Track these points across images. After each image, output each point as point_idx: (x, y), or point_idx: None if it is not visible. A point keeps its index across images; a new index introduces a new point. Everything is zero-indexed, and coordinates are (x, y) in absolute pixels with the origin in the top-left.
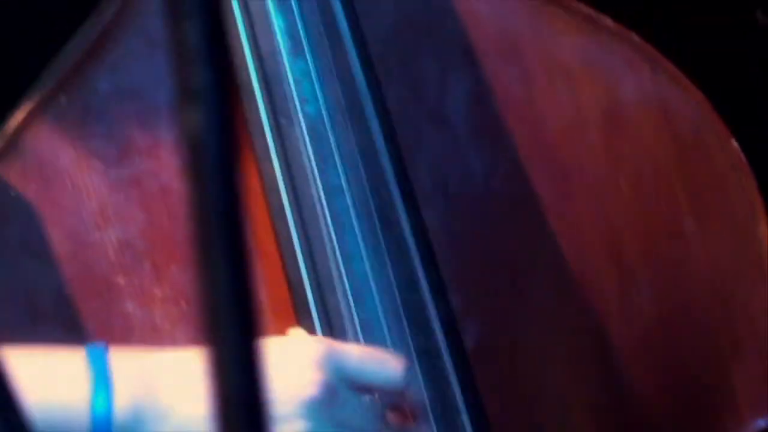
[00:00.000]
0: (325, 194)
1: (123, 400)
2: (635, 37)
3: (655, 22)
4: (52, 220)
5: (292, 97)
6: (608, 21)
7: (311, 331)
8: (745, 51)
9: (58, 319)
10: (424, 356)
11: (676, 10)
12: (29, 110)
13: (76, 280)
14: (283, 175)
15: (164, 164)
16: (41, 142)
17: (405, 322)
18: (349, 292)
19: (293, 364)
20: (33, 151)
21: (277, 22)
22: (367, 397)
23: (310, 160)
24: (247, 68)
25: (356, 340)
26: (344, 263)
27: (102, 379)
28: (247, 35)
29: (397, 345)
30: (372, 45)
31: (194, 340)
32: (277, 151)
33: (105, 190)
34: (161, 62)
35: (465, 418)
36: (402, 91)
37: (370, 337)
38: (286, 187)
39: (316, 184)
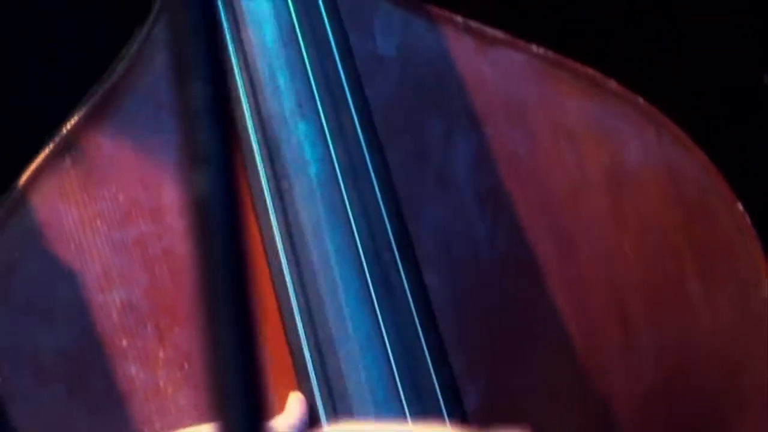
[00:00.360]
0: (326, 256)
1: None
2: (640, 100)
3: (655, 22)
4: (56, 281)
5: (294, 160)
6: (613, 84)
7: (310, 395)
8: (745, 51)
9: (62, 380)
10: (426, 420)
11: (676, 10)
12: (34, 170)
13: (79, 342)
14: (282, 237)
15: (168, 226)
16: (45, 203)
17: (405, 385)
18: (349, 356)
19: None
20: (37, 212)
21: (278, 84)
22: None
23: (310, 222)
24: (247, 131)
25: (356, 403)
26: (344, 326)
27: None
28: (247, 97)
29: (397, 408)
30: (376, 107)
31: (197, 404)
32: (277, 213)
33: (109, 251)
34: (167, 124)
35: None
36: (406, 153)
37: (371, 400)
38: (285, 249)
39: (316, 246)
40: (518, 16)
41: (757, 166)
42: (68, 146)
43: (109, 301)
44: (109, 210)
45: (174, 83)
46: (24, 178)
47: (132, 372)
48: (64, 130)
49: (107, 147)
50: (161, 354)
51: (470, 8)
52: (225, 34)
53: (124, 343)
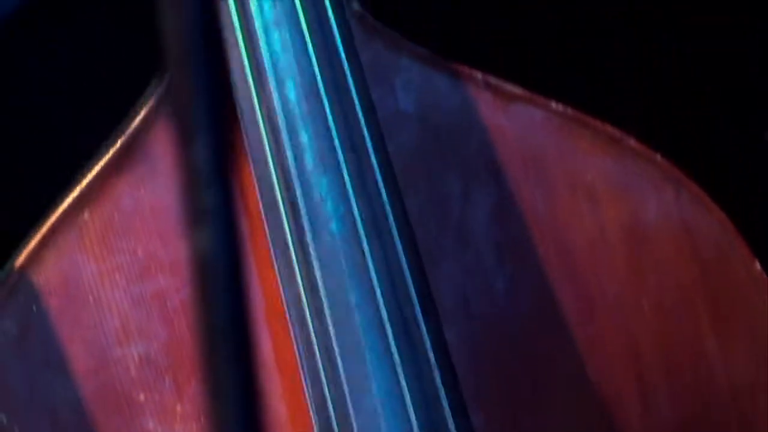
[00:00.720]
0: (347, 311)
1: None
2: (659, 158)
3: (655, 22)
4: (74, 335)
5: (316, 215)
6: (632, 142)
7: None
8: (745, 51)
9: None
10: None
11: (676, 10)
12: (52, 223)
13: (97, 396)
14: (305, 291)
15: (186, 280)
16: (64, 257)
17: None
18: (369, 411)
19: None
20: (56, 266)
21: (301, 139)
22: None
23: (332, 277)
24: (271, 185)
25: None
26: (365, 381)
27: None
28: (271, 152)
29: None
30: (396, 160)
31: None
32: (299, 268)
33: (127, 305)
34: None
35: None
36: (425, 206)
37: None
38: (307, 303)
39: (338, 300)
40: (518, 16)
41: (757, 167)
42: (87, 199)
43: (127, 355)
44: (128, 263)
45: (176, 141)
46: (41, 231)
47: (149, 426)
48: (83, 183)
49: (125, 200)
50: (179, 408)
51: (471, 9)
52: (249, 88)
53: (142, 397)
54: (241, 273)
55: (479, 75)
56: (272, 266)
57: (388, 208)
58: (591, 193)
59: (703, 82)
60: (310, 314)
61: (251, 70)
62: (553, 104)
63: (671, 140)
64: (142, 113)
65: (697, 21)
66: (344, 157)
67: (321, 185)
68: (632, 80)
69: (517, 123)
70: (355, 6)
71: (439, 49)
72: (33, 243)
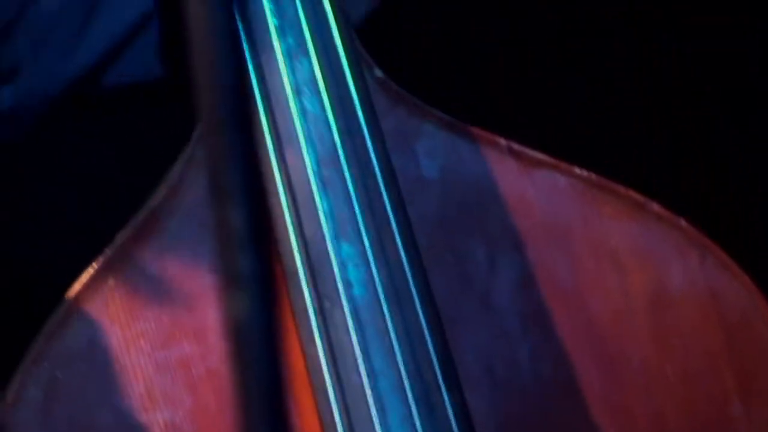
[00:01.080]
0: (368, 377)
1: None
2: (683, 223)
3: (655, 22)
4: (100, 401)
5: (337, 281)
6: (656, 207)
7: None
8: (745, 51)
9: None
10: None
11: (676, 11)
12: (78, 291)
13: None
14: (325, 356)
15: (211, 347)
16: (89, 324)
17: None
18: None
19: None
20: (81, 332)
21: (322, 206)
22: None
23: (353, 343)
24: (291, 252)
25: None
26: None
27: None
28: (291, 219)
29: None
30: (419, 229)
31: None
32: (320, 333)
33: (152, 371)
34: (210, 245)
35: None
36: (449, 275)
37: None
38: (328, 368)
39: (359, 366)
40: (519, 16)
41: (757, 167)
42: (112, 266)
43: (153, 421)
44: (153, 330)
45: (212, 206)
46: (67, 298)
47: None
48: (109, 250)
49: (151, 268)
50: None
51: (472, 10)
52: (269, 155)
53: None
54: (278, 338)
55: (502, 141)
56: (295, 332)
57: (408, 275)
58: (615, 259)
59: (703, 83)
60: (331, 380)
61: (271, 137)
62: (577, 169)
63: (671, 140)
64: (169, 183)
65: (697, 21)
66: (365, 224)
67: (341, 252)
68: (632, 80)
69: (541, 190)
70: (378, 73)
71: (440, 51)
72: (59, 311)
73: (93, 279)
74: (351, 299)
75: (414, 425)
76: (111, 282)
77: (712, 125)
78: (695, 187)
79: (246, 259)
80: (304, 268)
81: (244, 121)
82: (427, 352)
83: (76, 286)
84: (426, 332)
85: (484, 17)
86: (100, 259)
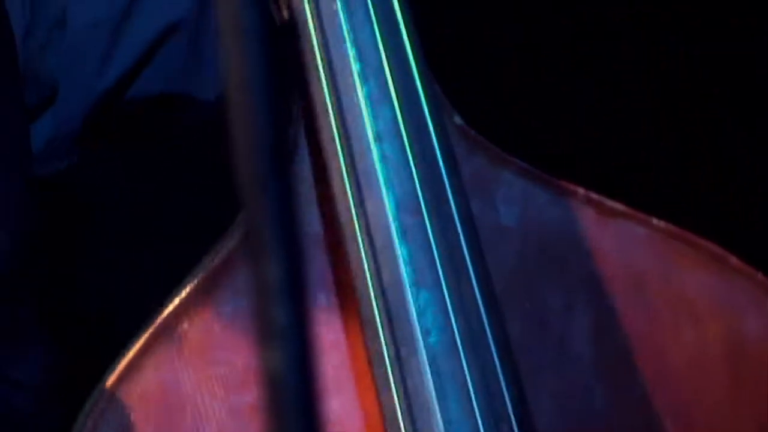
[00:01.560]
0: (444, 425)
1: None
2: (760, 276)
3: (663, 24)
4: None
5: (415, 328)
6: (734, 259)
7: None
8: (753, 54)
9: None
10: None
11: (683, 12)
12: (151, 333)
13: None
14: (401, 403)
15: None
16: (162, 367)
17: None
18: None
19: None
20: (154, 376)
21: (401, 253)
22: None
23: (430, 391)
24: (368, 298)
25: None
26: None
27: None
28: (369, 265)
29: None
30: (497, 276)
31: None
32: (395, 380)
33: (225, 416)
34: None
35: None
36: (526, 323)
37: None
38: (403, 416)
39: (434, 414)
40: (528, 18)
41: (764, 169)
42: (186, 310)
43: None
44: (226, 374)
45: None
46: (139, 340)
47: None
48: (182, 294)
49: (225, 311)
50: None
51: (484, 14)
52: (348, 200)
53: None
54: (315, 391)
55: (581, 190)
56: (371, 379)
57: (486, 323)
58: (692, 310)
59: (711, 85)
60: (406, 429)
61: (350, 183)
62: (654, 220)
63: (679, 142)
64: (232, 240)
65: (705, 23)
66: (443, 271)
67: (419, 299)
68: (640, 82)
69: (620, 240)
70: (457, 120)
71: (454, 55)
72: (131, 352)
73: (166, 322)
74: (428, 347)
75: None
76: (185, 325)
77: (720, 127)
78: (703, 189)
79: (282, 312)
80: (381, 315)
81: (281, 175)
82: (504, 400)
83: (149, 330)
84: (502, 381)
85: (497, 21)
86: (174, 302)
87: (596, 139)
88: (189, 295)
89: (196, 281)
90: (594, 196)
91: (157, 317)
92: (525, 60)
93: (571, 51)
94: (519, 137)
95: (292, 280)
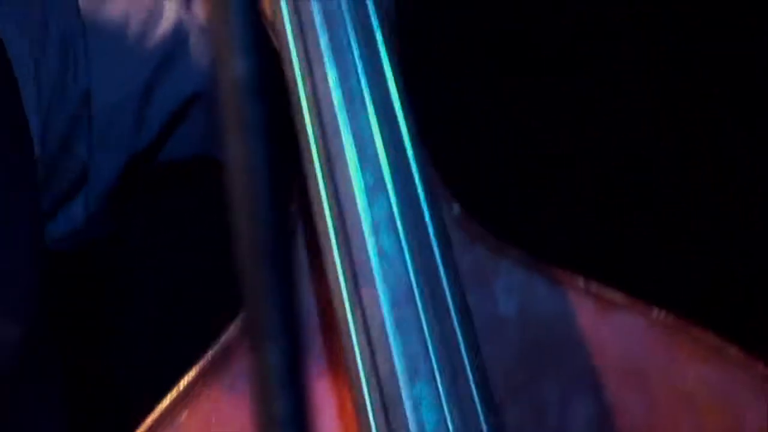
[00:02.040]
0: None
1: None
2: (761, 367)
3: (663, 24)
4: None
5: (409, 421)
6: (734, 350)
7: None
8: (752, 54)
9: None
10: None
11: (683, 13)
12: (150, 424)
13: None
14: None
15: None
16: None
17: None
18: None
19: None
20: None
21: (395, 346)
22: None
23: None
24: (361, 389)
25: None
26: None
27: None
28: (363, 357)
29: None
30: (494, 366)
31: None
32: None
33: None
34: None
35: None
36: (523, 413)
37: None
38: None
39: None
40: (528, 19)
41: (764, 168)
42: (185, 400)
43: None
44: None
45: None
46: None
47: None
48: (181, 385)
49: (224, 401)
50: None
51: (484, 13)
52: (342, 293)
53: None
54: None
55: (580, 281)
56: None
57: (482, 416)
58: (691, 401)
59: (711, 84)
60: None
61: (344, 276)
62: (654, 312)
63: (679, 142)
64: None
65: (705, 24)
66: (438, 364)
67: (414, 392)
68: (640, 82)
69: (619, 332)
70: (456, 210)
71: (454, 55)
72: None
73: (166, 413)
74: None
75: None
76: (184, 416)
77: (720, 126)
78: (702, 188)
79: (281, 401)
80: (374, 406)
81: (281, 262)
82: None
83: (148, 421)
84: None
85: (497, 21)
86: (173, 393)
87: (596, 139)
88: (188, 385)
89: (195, 373)
90: (593, 287)
91: (155, 409)
92: (523, 58)
93: (571, 51)
94: (519, 137)
95: (291, 369)
